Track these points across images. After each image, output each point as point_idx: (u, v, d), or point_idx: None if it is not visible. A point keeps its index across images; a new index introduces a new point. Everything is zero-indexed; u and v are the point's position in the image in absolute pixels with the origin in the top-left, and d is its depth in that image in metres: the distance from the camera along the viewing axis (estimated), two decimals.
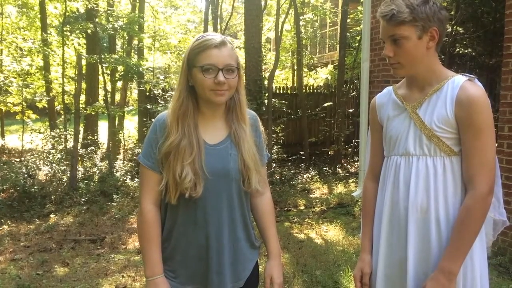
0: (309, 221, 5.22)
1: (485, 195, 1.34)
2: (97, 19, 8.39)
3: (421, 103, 1.45)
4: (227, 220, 1.46)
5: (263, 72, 9.13)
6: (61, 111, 9.49)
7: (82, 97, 9.18)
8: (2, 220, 5.12)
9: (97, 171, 7.07)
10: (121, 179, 6.69)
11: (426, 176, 1.42)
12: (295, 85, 12.14)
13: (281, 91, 10.11)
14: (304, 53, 12.33)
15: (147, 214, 1.44)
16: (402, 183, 1.46)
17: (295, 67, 12.88)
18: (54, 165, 6.71)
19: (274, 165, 7.83)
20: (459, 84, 1.38)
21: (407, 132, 1.46)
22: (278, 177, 7.37)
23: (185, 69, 1.43)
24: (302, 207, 5.94)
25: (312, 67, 14.97)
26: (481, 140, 1.34)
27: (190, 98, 1.44)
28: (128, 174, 7.03)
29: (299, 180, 7.39)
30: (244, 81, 7.32)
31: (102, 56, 7.72)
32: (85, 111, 8.15)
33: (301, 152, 9.01)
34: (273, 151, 7.85)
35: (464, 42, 7.41)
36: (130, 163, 7.89)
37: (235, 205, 1.48)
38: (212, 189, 1.42)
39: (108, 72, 9.16)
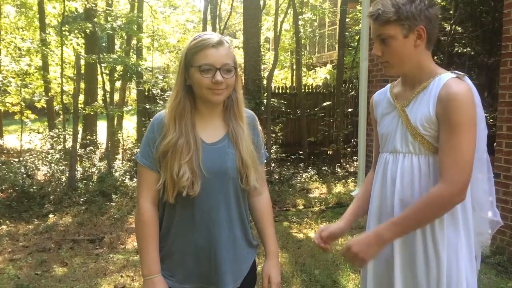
0: (308, 220, 5.22)
1: (452, 195, 1.31)
2: (95, 19, 8.38)
3: (409, 101, 1.46)
4: (224, 219, 1.46)
5: (262, 72, 9.13)
6: (59, 111, 9.50)
7: (81, 97, 9.18)
8: (1, 220, 5.11)
9: (96, 171, 7.06)
10: (120, 179, 6.68)
11: (411, 174, 1.42)
12: (294, 84, 12.14)
13: (280, 91, 10.10)
14: (303, 53, 12.34)
15: (145, 213, 1.44)
16: (390, 179, 1.48)
17: (294, 67, 12.88)
18: (53, 165, 6.70)
19: (273, 164, 7.82)
20: (444, 81, 1.37)
21: (395, 130, 1.48)
22: (277, 177, 7.37)
23: (182, 69, 1.43)
24: (301, 207, 5.93)
25: (311, 67, 14.96)
26: (456, 138, 1.31)
27: (188, 97, 1.44)
28: (127, 174, 7.02)
29: (298, 180, 7.38)
30: (243, 81, 7.34)
31: (101, 56, 7.71)
32: (84, 111, 8.14)
33: (300, 152, 9.00)
34: (272, 150, 7.84)
35: (463, 41, 7.42)
36: (129, 163, 7.88)
37: (233, 204, 1.48)
38: (210, 187, 1.42)
39: (107, 72, 9.16)
